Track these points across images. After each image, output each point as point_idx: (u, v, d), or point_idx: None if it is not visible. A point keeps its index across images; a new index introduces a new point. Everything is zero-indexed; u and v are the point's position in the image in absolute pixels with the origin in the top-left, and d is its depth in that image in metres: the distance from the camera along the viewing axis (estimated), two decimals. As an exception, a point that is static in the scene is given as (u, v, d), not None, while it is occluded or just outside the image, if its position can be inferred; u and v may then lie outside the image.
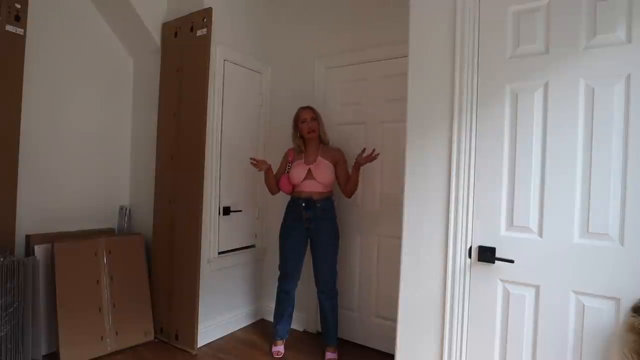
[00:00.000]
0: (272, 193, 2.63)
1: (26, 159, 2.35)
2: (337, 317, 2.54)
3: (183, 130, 2.63)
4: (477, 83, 1.51)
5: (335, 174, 2.48)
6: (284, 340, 2.63)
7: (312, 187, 2.44)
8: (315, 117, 2.50)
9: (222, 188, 2.78)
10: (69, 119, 2.64)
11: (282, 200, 2.85)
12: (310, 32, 2.94)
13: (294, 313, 2.66)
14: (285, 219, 2.56)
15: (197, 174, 2.52)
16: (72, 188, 2.68)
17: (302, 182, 2.45)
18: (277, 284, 2.63)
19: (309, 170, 2.44)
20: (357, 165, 2.38)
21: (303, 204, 2.43)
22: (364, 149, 2.35)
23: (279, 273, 2.60)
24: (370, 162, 2.34)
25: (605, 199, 1.28)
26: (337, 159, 2.50)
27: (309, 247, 2.54)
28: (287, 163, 2.56)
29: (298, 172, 2.45)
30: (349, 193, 2.50)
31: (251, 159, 2.46)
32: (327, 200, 2.49)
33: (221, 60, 2.71)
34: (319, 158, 2.46)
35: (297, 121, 2.52)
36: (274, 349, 2.56)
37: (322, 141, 2.54)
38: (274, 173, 2.59)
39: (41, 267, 2.32)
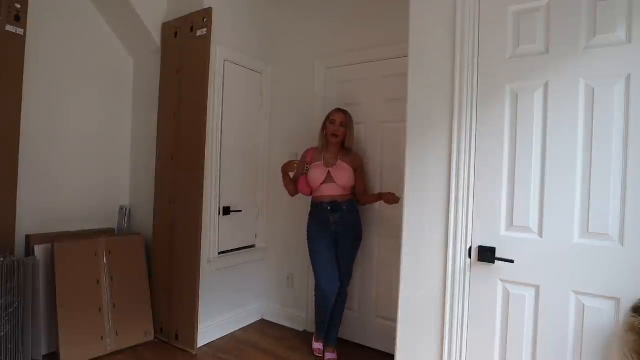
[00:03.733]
0: (291, 195, 2.59)
1: (26, 159, 2.35)
2: (341, 319, 2.54)
3: (183, 130, 2.63)
4: (477, 83, 1.51)
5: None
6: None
7: (333, 191, 2.41)
8: (345, 123, 2.45)
9: (222, 188, 2.78)
10: (69, 119, 2.64)
11: (282, 200, 2.85)
12: (310, 32, 2.94)
13: (294, 313, 2.65)
14: (311, 225, 2.50)
15: (197, 174, 2.52)
16: (72, 188, 2.68)
17: (321, 185, 2.42)
18: (277, 283, 2.62)
19: (329, 173, 2.40)
20: (380, 199, 2.42)
21: (329, 208, 2.41)
22: (392, 194, 2.33)
23: (314, 285, 2.49)
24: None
25: (605, 199, 1.28)
26: (357, 165, 2.48)
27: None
28: (305, 164, 2.51)
29: (317, 174, 2.41)
30: (363, 203, 2.55)
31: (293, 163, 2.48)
32: (351, 202, 2.47)
33: (221, 60, 2.71)
34: (339, 162, 2.43)
35: (327, 120, 2.49)
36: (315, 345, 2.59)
37: (345, 147, 2.49)
38: (293, 175, 2.56)
39: (41, 267, 2.32)
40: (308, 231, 2.51)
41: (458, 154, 1.52)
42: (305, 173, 2.48)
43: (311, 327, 2.92)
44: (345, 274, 2.47)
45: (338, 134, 2.44)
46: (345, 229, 2.43)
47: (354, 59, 2.74)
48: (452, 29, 1.55)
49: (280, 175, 2.54)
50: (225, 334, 2.83)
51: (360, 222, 2.52)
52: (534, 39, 1.41)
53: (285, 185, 2.55)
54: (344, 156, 2.47)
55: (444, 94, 1.57)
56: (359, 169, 2.50)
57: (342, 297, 2.49)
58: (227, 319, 2.87)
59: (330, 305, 2.41)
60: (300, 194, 2.56)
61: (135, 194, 3.02)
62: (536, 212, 1.39)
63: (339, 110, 2.50)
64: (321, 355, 2.53)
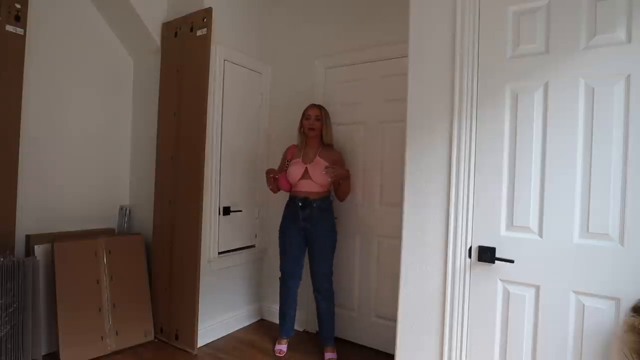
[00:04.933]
0: (273, 192, 2.63)
1: (26, 159, 2.35)
2: (333, 317, 2.54)
3: (183, 130, 2.63)
4: (477, 83, 1.51)
5: None
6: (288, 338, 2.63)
7: (308, 187, 2.45)
8: (320, 117, 2.50)
9: (222, 188, 2.78)
10: (69, 118, 2.64)
11: (282, 200, 2.84)
12: (310, 32, 2.94)
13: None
14: (283, 218, 2.58)
15: (197, 174, 2.52)
16: (72, 188, 2.68)
17: (298, 181, 2.46)
18: (277, 283, 2.63)
19: (306, 169, 2.45)
20: (342, 177, 2.41)
21: (300, 204, 2.44)
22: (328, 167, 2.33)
23: (280, 274, 2.60)
24: (333, 175, 2.30)
25: (605, 199, 1.28)
26: (335, 162, 2.50)
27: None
28: (285, 161, 2.57)
29: (295, 171, 2.46)
30: (340, 198, 2.56)
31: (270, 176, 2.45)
32: (324, 200, 2.49)
33: (221, 60, 2.71)
34: (317, 158, 2.47)
35: (302, 116, 2.55)
36: (277, 347, 2.59)
37: (324, 142, 2.54)
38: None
39: (41, 267, 2.32)
40: (280, 225, 2.58)
41: (458, 153, 1.52)
42: (285, 170, 2.52)
43: (311, 327, 2.93)
44: (321, 273, 2.47)
45: (314, 128, 2.48)
46: (316, 226, 2.44)
47: (354, 59, 2.74)
48: (452, 29, 1.55)
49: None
50: (225, 334, 2.83)
51: (332, 220, 2.53)
52: (534, 39, 1.41)
53: (268, 184, 2.55)
54: (322, 152, 2.50)
55: (444, 94, 1.57)
56: (338, 166, 2.47)
57: (325, 294, 2.49)
58: (227, 319, 2.87)
59: (292, 296, 2.56)
60: (282, 191, 2.59)
61: (135, 194, 3.02)
62: (536, 212, 1.39)
63: (313, 105, 2.56)
64: (282, 355, 2.54)
